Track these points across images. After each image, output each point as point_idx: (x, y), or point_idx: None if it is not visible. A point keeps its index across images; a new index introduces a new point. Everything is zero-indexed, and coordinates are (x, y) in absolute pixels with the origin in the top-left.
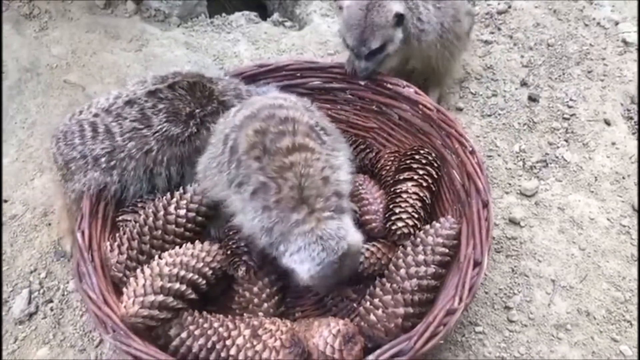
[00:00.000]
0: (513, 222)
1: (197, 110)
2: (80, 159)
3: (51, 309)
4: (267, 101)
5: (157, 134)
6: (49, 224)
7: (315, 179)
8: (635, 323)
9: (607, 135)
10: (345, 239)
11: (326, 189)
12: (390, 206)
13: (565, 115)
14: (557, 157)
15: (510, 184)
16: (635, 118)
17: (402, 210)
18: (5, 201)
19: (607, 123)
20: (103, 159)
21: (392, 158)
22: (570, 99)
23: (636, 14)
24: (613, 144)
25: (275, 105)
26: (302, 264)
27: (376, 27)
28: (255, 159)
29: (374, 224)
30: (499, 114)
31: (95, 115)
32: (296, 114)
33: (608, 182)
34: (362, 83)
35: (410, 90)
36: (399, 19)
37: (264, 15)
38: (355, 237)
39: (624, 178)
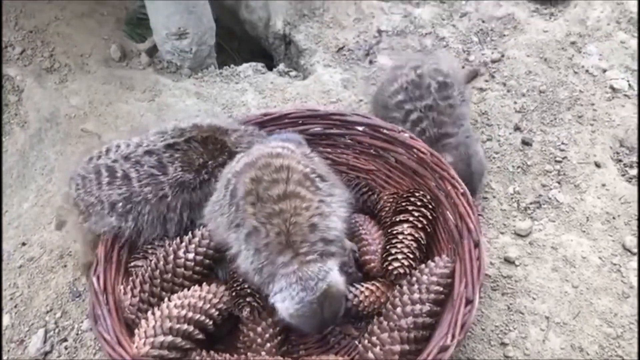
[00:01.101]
0: (508, 261)
1: (210, 162)
2: (97, 204)
3: (65, 348)
4: (266, 150)
5: (171, 180)
6: (65, 266)
7: (302, 226)
8: (626, 359)
9: (597, 177)
10: (325, 280)
11: (312, 235)
12: (387, 247)
13: (557, 158)
14: (550, 199)
15: (505, 225)
16: (625, 160)
17: (398, 250)
18: (24, 244)
19: (597, 165)
20: (120, 204)
21: (390, 200)
22: (562, 143)
23: (623, 61)
24: (603, 185)
25: (273, 154)
26: (283, 302)
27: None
28: (251, 205)
29: (372, 264)
30: (494, 158)
31: (115, 161)
32: (291, 163)
33: (599, 222)
34: (360, 129)
35: (405, 135)
36: None
37: (270, 65)
38: (336, 279)
39: (614, 218)
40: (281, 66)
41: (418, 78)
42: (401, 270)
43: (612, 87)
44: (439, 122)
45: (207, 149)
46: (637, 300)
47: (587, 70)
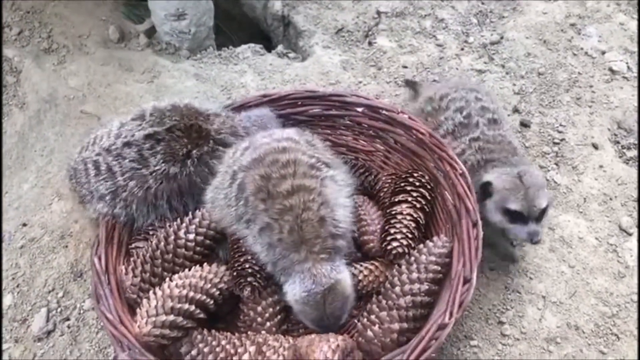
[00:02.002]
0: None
1: (194, 151)
2: (88, 195)
3: (68, 327)
4: (272, 145)
5: (154, 173)
6: (66, 246)
7: (313, 222)
8: (622, 337)
9: (595, 159)
10: (334, 277)
11: (322, 230)
12: (386, 227)
13: (555, 140)
14: (547, 180)
15: None
16: (622, 142)
17: (397, 230)
18: (25, 225)
19: (595, 147)
20: (108, 197)
21: (389, 180)
22: (560, 125)
23: (622, 43)
24: (601, 166)
25: (279, 149)
26: (293, 290)
27: (540, 187)
28: (262, 201)
29: (371, 244)
30: None
31: (98, 154)
32: (297, 156)
33: (596, 203)
34: (360, 110)
35: (404, 116)
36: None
37: (269, 47)
38: (345, 278)
39: (611, 199)
40: (280, 48)
41: (465, 119)
42: (400, 250)
43: (611, 69)
44: (485, 150)
45: (191, 137)
46: (638, 279)
47: (586, 52)
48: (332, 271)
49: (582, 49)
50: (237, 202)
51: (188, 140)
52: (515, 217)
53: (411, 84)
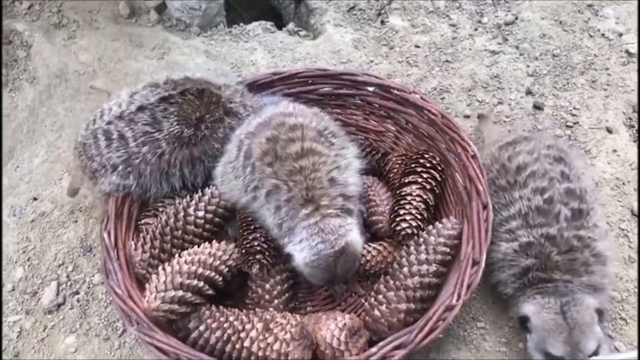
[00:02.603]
0: None
1: (207, 116)
2: (100, 169)
3: (78, 300)
4: (278, 110)
5: (167, 136)
6: (76, 221)
7: (322, 180)
8: (630, 321)
9: (608, 143)
10: (344, 237)
11: (332, 190)
12: (395, 208)
13: (568, 123)
14: None
15: None
16: (637, 126)
17: (406, 212)
18: (35, 199)
19: (609, 131)
20: (120, 167)
21: (399, 161)
22: (574, 108)
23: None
24: (614, 151)
25: (286, 113)
26: (301, 252)
27: (588, 325)
28: (268, 165)
29: (380, 225)
30: (505, 122)
31: (109, 123)
32: (305, 121)
33: (608, 187)
34: (371, 89)
35: (416, 97)
36: (600, 314)
37: (280, 24)
38: (356, 238)
39: (623, 184)
40: (291, 25)
41: (546, 204)
42: (409, 231)
43: (627, 52)
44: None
45: (203, 102)
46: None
47: (602, 34)
48: (341, 228)
49: (598, 30)
50: (244, 171)
51: (200, 104)
52: None
53: (484, 118)
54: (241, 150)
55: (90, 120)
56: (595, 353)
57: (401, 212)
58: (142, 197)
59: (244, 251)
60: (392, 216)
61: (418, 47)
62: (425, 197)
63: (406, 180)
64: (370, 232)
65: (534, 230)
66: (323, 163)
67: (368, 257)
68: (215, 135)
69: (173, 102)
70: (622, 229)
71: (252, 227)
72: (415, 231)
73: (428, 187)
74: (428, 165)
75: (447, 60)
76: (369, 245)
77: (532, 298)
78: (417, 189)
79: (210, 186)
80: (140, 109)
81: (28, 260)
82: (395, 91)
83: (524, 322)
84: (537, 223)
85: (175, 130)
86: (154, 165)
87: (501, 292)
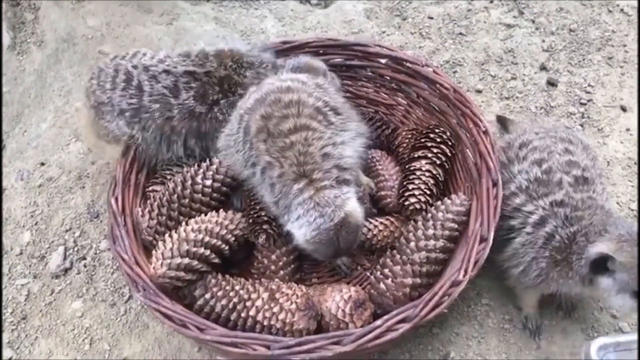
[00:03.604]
0: None
1: (222, 100)
2: (108, 105)
3: (84, 266)
4: (275, 84)
5: (181, 105)
6: (83, 187)
7: (314, 155)
8: None
9: (622, 121)
10: (342, 208)
11: (325, 163)
12: (404, 183)
13: (582, 101)
14: None
15: None
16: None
17: (415, 187)
18: (43, 164)
19: (623, 109)
20: (127, 114)
21: (409, 136)
22: (589, 85)
23: None
24: (627, 130)
25: (282, 88)
26: (300, 229)
27: None
28: (263, 142)
29: (389, 200)
30: (517, 97)
31: (134, 67)
32: (302, 97)
33: (620, 167)
34: (383, 61)
35: (428, 70)
36: None
37: None
38: (355, 207)
39: (635, 163)
40: None
41: (544, 175)
42: (417, 206)
43: None
44: (573, 219)
45: (222, 87)
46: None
47: (622, 9)
48: (337, 198)
49: (617, 5)
50: (244, 147)
51: (219, 89)
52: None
53: (502, 120)
54: (241, 125)
55: (120, 55)
56: None
57: (410, 187)
58: (145, 156)
59: (251, 221)
60: (400, 191)
61: (431, 18)
62: (434, 172)
63: (416, 155)
64: (378, 207)
65: (540, 201)
66: (317, 138)
67: (375, 232)
68: (227, 118)
69: (197, 78)
70: (632, 209)
71: (258, 198)
72: (423, 206)
73: (438, 162)
74: (438, 140)
75: (460, 33)
76: (376, 220)
77: (594, 238)
78: (426, 164)
79: (217, 155)
80: (166, 72)
81: (35, 224)
82: (408, 64)
83: (599, 265)
84: (540, 194)
85: (190, 104)
86: (158, 125)
87: (533, 274)
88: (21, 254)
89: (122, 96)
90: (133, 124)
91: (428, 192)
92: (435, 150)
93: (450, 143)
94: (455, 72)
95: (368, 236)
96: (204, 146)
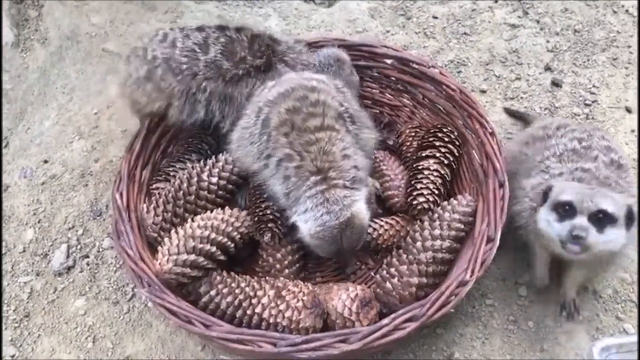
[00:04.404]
0: None
1: (249, 59)
2: (140, 49)
3: (87, 264)
4: (301, 81)
5: (208, 60)
6: (86, 185)
7: (335, 154)
8: None
9: (627, 123)
10: (349, 208)
11: (344, 163)
12: (412, 182)
13: (587, 102)
14: None
15: None
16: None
17: (424, 186)
18: (46, 161)
19: (628, 110)
20: (159, 59)
21: (412, 134)
22: (593, 86)
23: None
24: (632, 131)
25: (309, 87)
26: (306, 222)
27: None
28: (284, 135)
29: (396, 199)
30: (522, 98)
31: (171, 29)
32: (327, 99)
33: None
34: (389, 62)
35: (434, 71)
36: None
37: None
38: (361, 210)
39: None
40: None
41: (583, 149)
42: (425, 206)
43: None
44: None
45: (252, 47)
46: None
47: (627, 10)
48: (346, 198)
49: (622, 6)
50: (260, 138)
51: (249, 47)
52: (565, 211)
53: (516, 115)
54: (259, 117)
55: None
56: (610, 217)
57: (418, 186)
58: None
59: (256, 219)
60: (408, 190)
61: (436, 18)
62: (442, 172)
63: (423, 154)
64: (386, 207)
65: (568, 164)
66: (340, 140)
67: (380, 232)
68: (250, 80)
69: (227, 34)
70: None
71: (264, 196)
72: (431, 206)
73: (446, 161)
74: (446, 139)
75: (465, 33)
76: (381, 220)
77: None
78: (434, 163)
79: (224, 152)
80: (199, 29)
81: (39, 222)
82: (414, 65)
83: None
84: (571, 159)
85: (217, 59)
86: (183, 80)
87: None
88: (24, 251)
89: (158, 47)
90: (164, 75)
91: (436, 191)
92: (443, 150)
93: (457, 143)
94: (459, 72)
95: (374, 236)
96: (225, 113)
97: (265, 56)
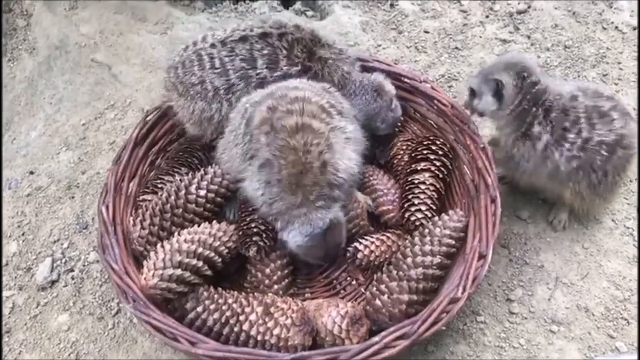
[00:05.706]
0: (520, 218)
1: (285, 68)
2: (198, 85)
3: (72, 278)
4: (285, 83)
5: (258, 76)
6: (72, 197)
7: (314, 166)
8: (632, 322)
9: None
10: (329, 216)
11: (322, 177)
12: (409, 197)
13: None
14: None
15: None
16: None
17: (421, 201)
18: (32, 172)
19: None
20: (222, 91)
21: (404, 147)
22: None
23: None
24: None
25: (290, 86)
26: (293, 238)
27: None
28: (265, 134)
29: (391, 214)
30: None
31: (212, 45)
32: (308, 94)
33: None
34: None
35: (426, 86)
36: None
37: (287, 4)
38: (338, 215)
39: (630, 181)
40: (298, 5)
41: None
42: (424, 222)
43: None
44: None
45: (291, 54)
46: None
47: (616, 27)
48: (327, 211)
49: (612, 23)
50: (244, 139)
51: (288, 53)
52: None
53: None
54: (244, 118)
55: (191, 43)
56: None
57: (415, 201)
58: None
59: (241, 233)
60: (404, 204)
61: (427, 32)
62: (438, 185)
63: (418, 167)
64: (380, 222)
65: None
66: (317, 144)
67: (372, 248)
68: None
69: (269, 43)
70: (627, 227)
71: (250, 209)
72: (428, 222)
73: (440, 175)
74: (440, 152)
75: (456, 47)
76: (372, 236)
77: None
78: (430, 177)
79: (213, 165)
80: (243, 39)
81: (23, 235)
82: (406, 79)
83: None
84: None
85: (263, 74)
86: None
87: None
88: (7, 265)
89: (213, 74)
90: (226, 101)
91: (433, 206)
92: (437, 163)
93: (450, 156)
94: (450, 86)
95: (365, 252)
96: None
97: (300, 62)
